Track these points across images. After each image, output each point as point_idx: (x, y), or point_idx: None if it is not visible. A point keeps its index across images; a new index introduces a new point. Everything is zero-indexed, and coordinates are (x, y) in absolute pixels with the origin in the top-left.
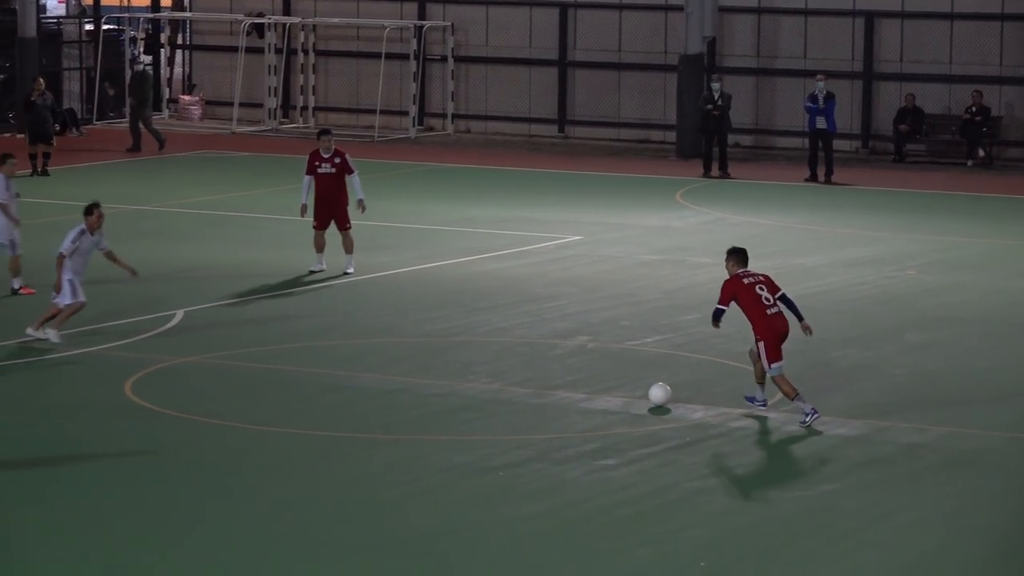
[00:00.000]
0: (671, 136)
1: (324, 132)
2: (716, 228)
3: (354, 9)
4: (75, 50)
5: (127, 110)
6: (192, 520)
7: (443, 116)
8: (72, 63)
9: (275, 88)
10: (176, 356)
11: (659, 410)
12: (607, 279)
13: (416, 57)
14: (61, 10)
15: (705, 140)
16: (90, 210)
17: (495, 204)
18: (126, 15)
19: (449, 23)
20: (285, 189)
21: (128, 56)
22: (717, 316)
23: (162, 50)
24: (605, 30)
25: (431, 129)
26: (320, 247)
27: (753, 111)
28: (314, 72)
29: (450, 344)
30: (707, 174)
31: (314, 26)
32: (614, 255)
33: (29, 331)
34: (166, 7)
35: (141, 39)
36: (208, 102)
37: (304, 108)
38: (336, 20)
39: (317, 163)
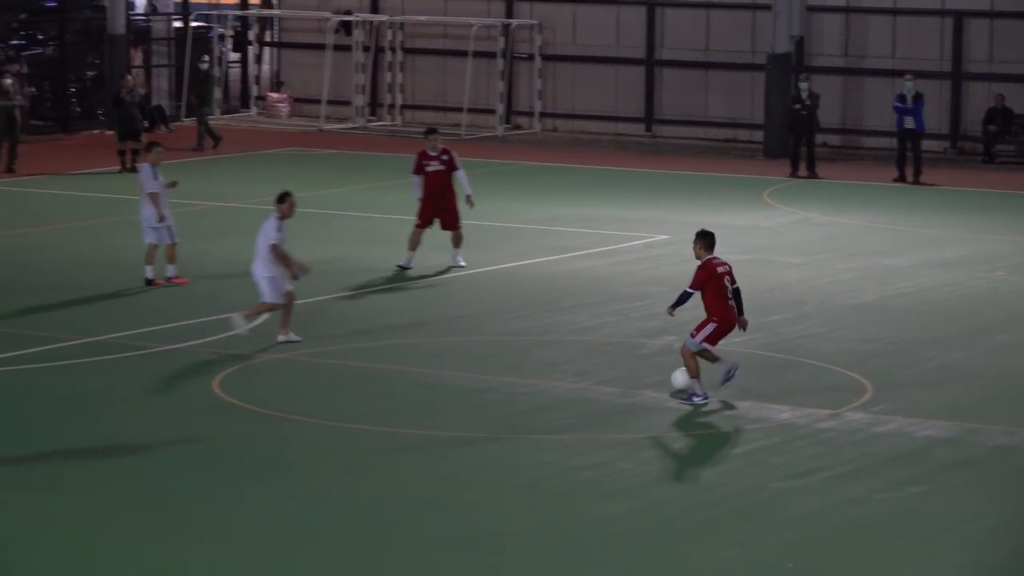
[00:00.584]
0: (758, 135)
1: (431, 131)
2: (803, 228)
3: (442, 7)
4: (164, 47)
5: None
6: (277, 516)
7: (530, 114)
8: (161, 60)
9: (363, 86)
10: (263, 353)
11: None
12: None
13: (503, 55)
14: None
15: (793, 140)
16: (283, 198)
17: (582, 203)
18: (215, 12)
19: (536, 21)
20: (373, 186)
21: (216, 53)
22: (683, 299)
23: (250, 47)
24: (693, 29)
25: (518, 127)
26: (415, 245)
27: (841, 111)
28: (401, 70)
29: (537, 343)
30: (794, 174)
31: (402, 24)
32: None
33: (241, 324)
34: (254, 4)
35: (230, 36)
36: (296, 99)
37: (391, 106)
38: (424, 18)
39: (425, 162)
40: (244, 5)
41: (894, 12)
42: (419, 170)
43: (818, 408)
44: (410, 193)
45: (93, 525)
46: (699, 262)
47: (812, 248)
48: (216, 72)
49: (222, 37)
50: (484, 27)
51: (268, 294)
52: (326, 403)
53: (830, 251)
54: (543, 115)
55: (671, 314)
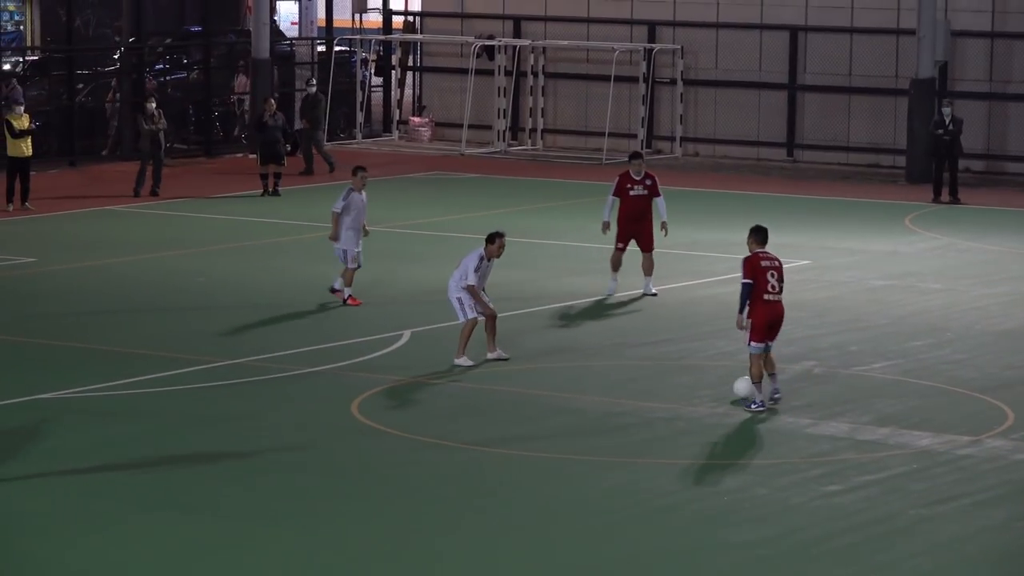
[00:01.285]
0: (901, 161)
1: (636, 155)
2: (946, 254)
3: (584, 32)
4: (308, 71)
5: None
6: (414, 540)
7: (671, 139)
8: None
9: (504, 110)
10: (403, 376)
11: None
12: (835, 304)
13: (645, 80)
14: (295, 32)
15: (935, 165)
16: (492, 239)
17: (722, 228)
18: (358, 36)
19: (679, 46)
20: (514, 211)
21: (359, 77)
22: (746, 291)
23: (393, 72)
24: (835, 53)
25: (659, 152)
26: (616, 266)
27: (985, 136)
28: (543, 94)
29: (675, 367)
30: (937, 199)
31: (544, 48)
32: (842, 280)
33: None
34: (397, 29)
35: (372, 61)
36: (437, 124)
37: (533, 130)
38: (565, 43)
39: (629, 185)
40: (387, 30)
41: None
42: (619, 192)
43: (958, 435)
44: (556, 216)
45: (234, 547)
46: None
47: (954, 274)
48: (322, 95)
49: (365, 61)
50: (626, 52)
51: (460, 313)
52: (465, 427)
53: (972, 277)
54: (684, 140)
55: (742, 326)
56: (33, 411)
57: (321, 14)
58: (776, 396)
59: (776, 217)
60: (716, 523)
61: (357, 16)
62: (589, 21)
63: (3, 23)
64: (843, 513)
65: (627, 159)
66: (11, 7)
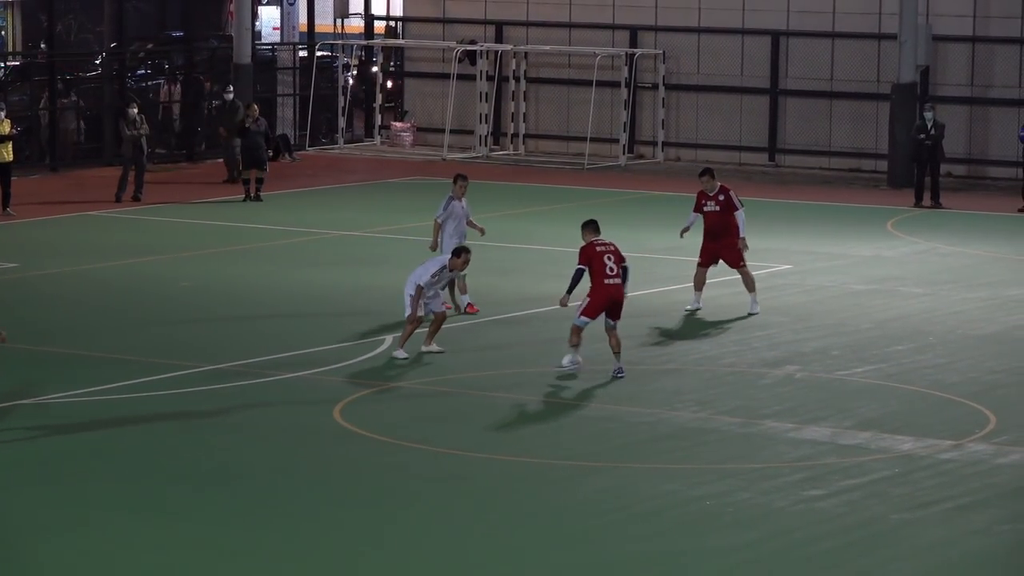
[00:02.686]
0: (882, 165)
1: (706, 171)
2: (927, 258)
3: (565, 37)
4: (289, 77)
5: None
6: (397, 543)
7: (653, 144)
8: (286, 89)
9: (486, 115)
10: (385, 381)
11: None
12: (817, 308)
13: (627, 85)
14: (275, 37)
15: (917, 169)
16: (458, 253)
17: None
18: (339, 42)
19: (660, 51)
20: (496, 215)
21: (340, 83)
22: (578, 277)
23: (375, 77)
24: (817, 58)
25: (641, 157)
26: (699, 285)
27: (966, 140)
28: (525, 99)
29: (658, 372)
30: (919, 204)
31: (525, 54)
32: (824, 284)
33: (422, 348)
34: (379, 34)
35: (354, 66)
36: (419, 129)
37: (515, 135)
38: (547, 48)
39: (703, 201)
40: (369, 35)
41: (1021, 41)
42: (698, 209)
43: (940, 439)
44: (537, 221)
45: (213, 549)
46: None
47: (936, 278)
48: (239, 101)
49: (347, 66)
50: (608, 57)
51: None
52: (449, 432)
53: (954, 281)
54: (666, 144)
55: (564, 304)
56: (15, 416)
57: (303, 19)
58: (619, 375)
59: (758, 222)
60: (699, 528)
61: (339, 21)
62: (571, 26)
63: None
64: (825, 517)
65: (698, 175)
66: None
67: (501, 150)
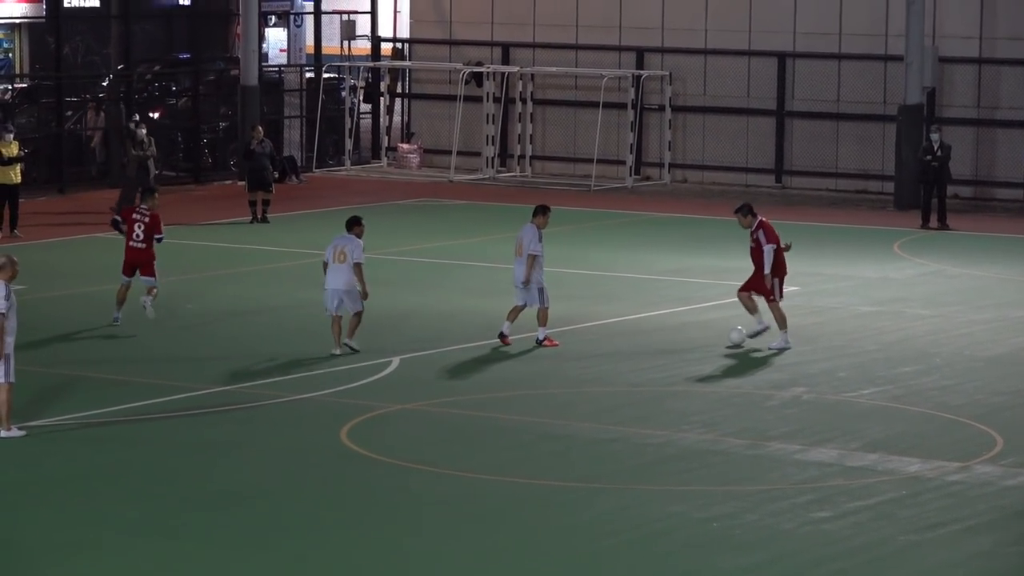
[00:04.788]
0: (889, 187)
1: (739, 208)
2: (934, 280)
3: (572, 58)
4: (296, 99)
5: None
6: (404, 566)
7: (660, 165)
8: (293, 111)
9: (493, 137)
10: (392, 403)
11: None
12: (824, 330)
13: (633, 106)
14: (282, 59)
15: (924, 191)
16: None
17: (711, 254)
18: (346, 64)
19: (667, 72)
20: (503, 237)
21: (347, 105)
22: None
23: (381, 99)
24: (823, 80)
25: (648, 178)
26: (750, 309)
27: (973, 162)
28: (531, 121)
29: (665, 393)
30: (925, 225)
31: (532, 75)
32: (831, 306)
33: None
34: (386, 56)
35: (361, 88)
36: (426, 150)
37: (521, 157)
38: (554, 69)
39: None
40: (376, 56)
41: None
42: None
43: (948, 461)
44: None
45: (222, 572)
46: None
47: (943, 300)
48: (142, 131)
49: (353, 88)
50: (614, 79)
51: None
52: (456, 454)
53: (961, 303)
54: (673, 166)
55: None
56: (23, 439)
57: (310, 41)
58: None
59: None
60: (706, 549)
61: (346, 43)
62: (577, 48)
63: None
64: (832, 539)
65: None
66: (0, 35)
67: (508, 172)
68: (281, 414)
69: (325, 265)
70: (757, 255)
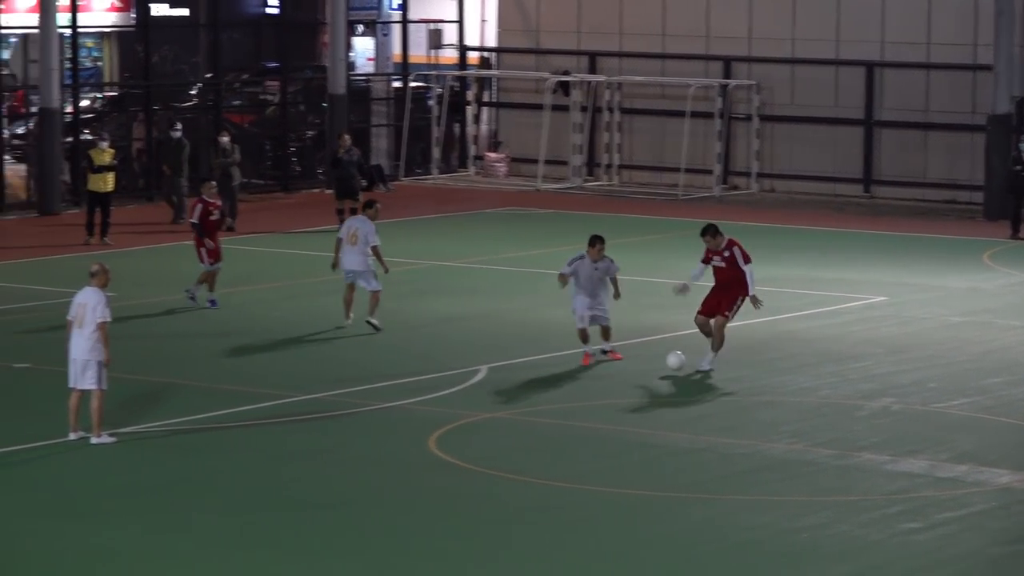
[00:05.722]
0: (978, 197)
1: (707, 229)
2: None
3: (659, 67)
4: (383, 107)
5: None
6: (498, 574)
7: (747, 175)
8: (380, 120)
9: (580, 146)
10: (481, 411)
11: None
12: (913, 340)
13: (721, 115)
14: (370, 67)
15: (1014, 201)
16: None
17: (799, 264)
18: (433, 72)
19: (754, 82)
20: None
21: (434, 113)
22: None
23: (468, 107)
24: (912, 89)
25: (735, 188)
26: (707, 331)
27: None
28: (619, 130)
29: (755, 403)
30: (1015, 236)
31: (619, 84)
32: (920, 316)
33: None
34: (473, 65)
35: (448, 96)
36: (513, 159)
37: (608, 166)
38: (641, 78)
39: (711, 256)
40: (463, 65)
41: None
42: (706, 261)
43: None
44: (631, 252)
45: None
46: None
47: None
48: (186, 139)
49: (440, 97)
50: (702, 88)
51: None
52: (544, 463)
53: None
54: (760, 175)
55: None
56: (110, 446)
57: (397, 50)
58: None
59: (853, 253)
60: (796, 560)
61: (433, 52)
62: (664, 57)
63: (81, 59)
64: (922, 551)
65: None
66: (89, 44)
67: (595, 181)
68: (369, 422)
69: (339, 242)
70: (727, 274)
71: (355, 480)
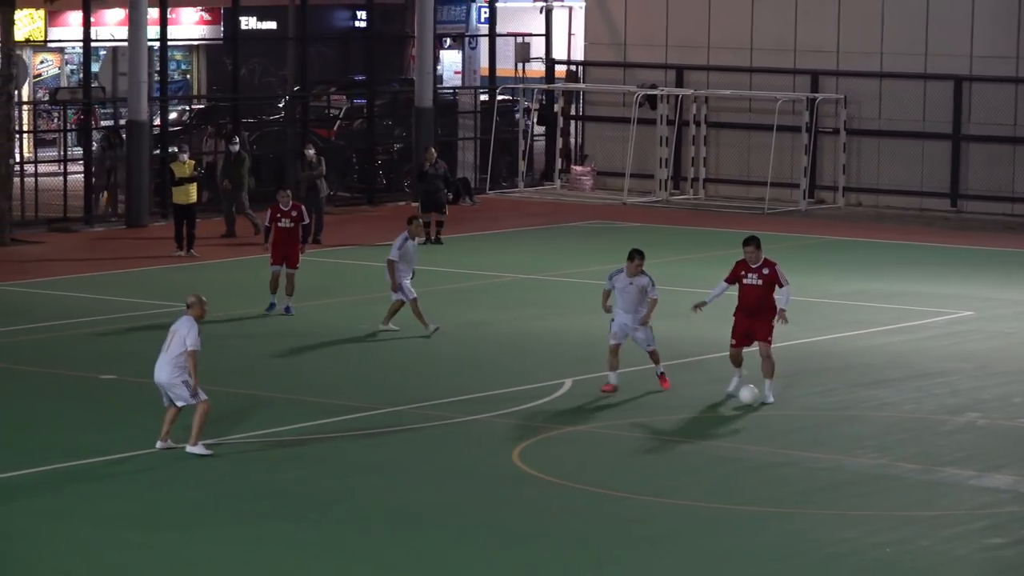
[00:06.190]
0: None
1: (751, 240)
2: None
3: (746, 81)
4: (470, 120)
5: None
6: None
7: (834, 189)
8: (467, 133)
9: (666, 159)
10: (565, 425)
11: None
12: (999, 355)
13: (808, 129)
14: (457, 81)
15: None
16: (410, 221)
17: (885, 278)
18: (520, 85)
19: (842, 95)
20: (675, 260)
21: (521, 127)
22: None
23: (555, 120)
24: (1000, 103)
25: (821, 202)
26: (738, 362)
27: None
28: (705, 143)
29: (838, 418)
30: None
31: (706, 98)
32: (1007, 331)
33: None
34: (560, 78)
35: (535, 110)
36: (599, 172)
37: (695, 180)
38: (728, 92)
39: (743, 273)
40: (550, 79)
41: None
42: (733, 279)
43: None
44: (716, 266)
45: None
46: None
47: None
48: (245, 154)
49: (527, 110)
50: (789, 101)
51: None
52: (627, 476)
53: None
54: (847, 189)
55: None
56: (193, 457)
57: (484, 63)
58: None
59: (940, 268)
60: (879, 575)
61: (520, 65)
62: (752, 71)
63: (170, 72)
64: (1008, 566)
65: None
66: (178, 56)
67: (681, 194)
68: (453, 434)
69: (390, 264)
70: (759, 294)
71: (438, 492)
